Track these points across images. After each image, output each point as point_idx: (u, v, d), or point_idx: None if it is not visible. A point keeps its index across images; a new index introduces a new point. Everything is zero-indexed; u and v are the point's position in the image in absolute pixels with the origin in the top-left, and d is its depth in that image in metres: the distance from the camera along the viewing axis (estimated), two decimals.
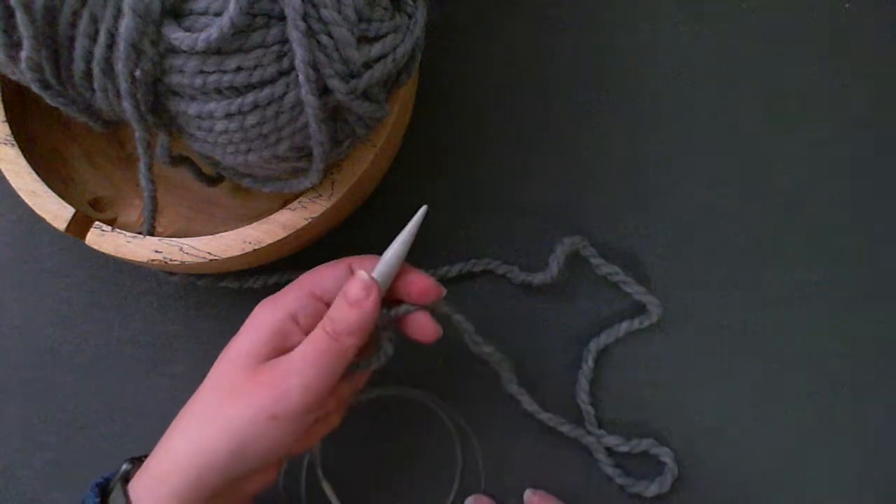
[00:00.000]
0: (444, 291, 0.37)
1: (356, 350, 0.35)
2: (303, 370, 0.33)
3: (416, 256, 0.46)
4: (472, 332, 0.40)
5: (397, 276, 0.36)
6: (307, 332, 0.35)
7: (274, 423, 0.33)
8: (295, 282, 0.37)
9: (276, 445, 0.33)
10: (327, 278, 0.36)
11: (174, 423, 0.35)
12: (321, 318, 0.35)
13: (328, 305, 0.35)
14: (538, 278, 0.45)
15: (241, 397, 0.33)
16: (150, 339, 0.46)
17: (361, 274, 0.35)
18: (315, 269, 0.37)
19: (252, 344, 0.35)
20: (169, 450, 0.34)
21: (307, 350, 0.34)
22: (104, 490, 0.35)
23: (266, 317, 0.35)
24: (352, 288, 0.35)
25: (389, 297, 0.37)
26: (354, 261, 0.37)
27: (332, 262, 0.37)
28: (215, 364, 0.36)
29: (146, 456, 0.36)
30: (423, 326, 0.37)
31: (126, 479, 0.35)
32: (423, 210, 0.36)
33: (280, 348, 0.35)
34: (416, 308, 0.37)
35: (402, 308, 0.37)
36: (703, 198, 0.46)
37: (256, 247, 0.38)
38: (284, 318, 0.35)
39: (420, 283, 0.37)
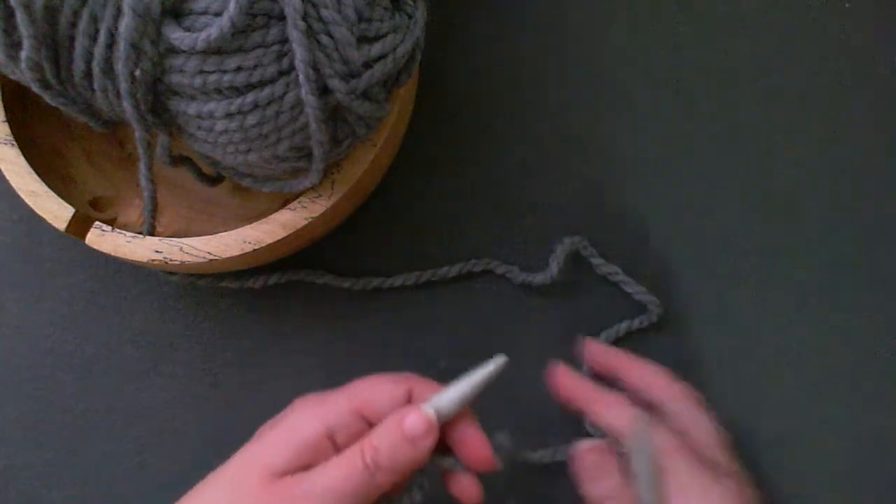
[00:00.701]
0: (500, 467, 0.33)
1: (387, 489, 0.31)
2: (327, 497, 0.30)
3: (416, 256, 0.46)
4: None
5: (455, 418, 0.33)
6: (340, 451, 0.31)
7: None
8: (345, 391, 0.33)
9: None
10: (383, 400, 0.32)
11: (182, 502, 0.32)
12: (360, 438, 0.32)
13: (372, 426, 0.32)
14: (538, 278, 0.44)
15: None
16: (150, 339, 0.46)
17: (427, 410, 0.31)
18: (371, 381, 0.33)
19: (279, 453, 0.31)
20: None
21: (336, 478, 0.30)
22: None
23: (304, 425, 0.31)
24: (413, 422, 0.31)
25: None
26: (416, 386, 0.33)
27: (390, 379, 0.33)
28: (236, 456, 0.32)
29: None
30: (467, 488, 0.33)
31: None
32: (502, 360, 0.33)
33: (307, 464, 0.31)
34: (464, 468, 0.33)
35: (449, 462, 0.33)
36: (703, 198, 0.46)
37: (256, 247, 0.38)
38: (323, 433, 0.31)
39: (476, 449, 0.33)
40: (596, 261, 0.45)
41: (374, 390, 0.33)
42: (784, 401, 0.44)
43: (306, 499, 0.30)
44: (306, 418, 0.32)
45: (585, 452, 0.36)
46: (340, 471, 0.30)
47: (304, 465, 0.31)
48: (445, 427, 0.33)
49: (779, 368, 0.44)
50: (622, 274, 0.44)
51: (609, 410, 0.37)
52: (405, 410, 0.32)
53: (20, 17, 0.31)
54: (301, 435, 0.31)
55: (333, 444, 0.31)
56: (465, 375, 0.33)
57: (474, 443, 0.33)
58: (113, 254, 0.39)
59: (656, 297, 0.44)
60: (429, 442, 0.31)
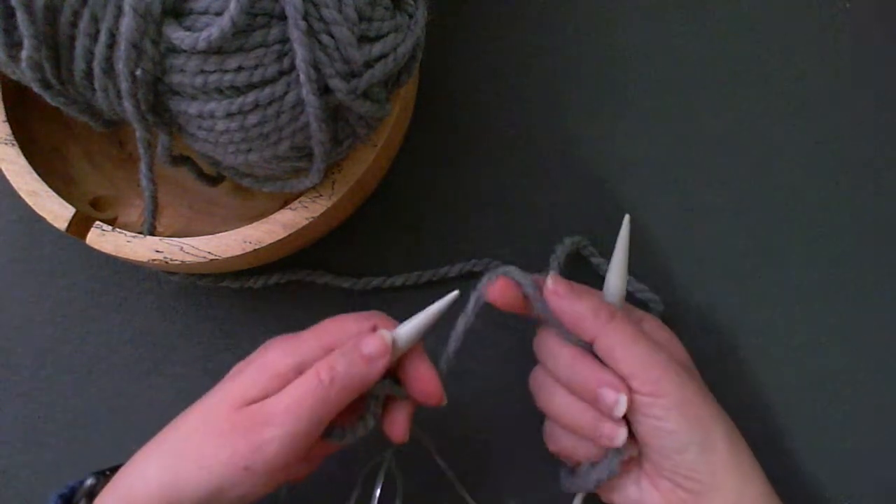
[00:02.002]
0: (445, 402, 0.36)
1: (341, 408, 0.33)
2: (284, 421, 0.31)
3: (416, 256, 0.46)
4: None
5: (409, 354, 0.35)
6: None
7: (246, 474, 0.31)
8: (316, 329, 0.35)
9: (248, 494, 0.32)
10: (348, 335, 0.34)
11: (154, 445, 0.34)
12: None
13: None
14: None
15: (219, 439, 0.32)
16: (150, 339, 0.46)
17: (385, 333, 0.34)
18: (338, 320, 0.36)
19: (250, 385, 0.33)
20: (142, 475, 0.33)
21: (292, 397, 0.32)
22: (68, 502, 0.34)
23: (276, 360, 0.34)
24: (371, 342, 0.33)
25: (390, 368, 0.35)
26: (380, 322, 0.35)
27: (356, 316, 0.36)
28: (211, 391, 0.34)
29: (110, 470, 0.35)
30: (398, 418, 0.36)
31: (91, 494, 0.34)
32: (454, 295, 0.36)
33: (273, 393, 0.33)
34: (407, 397, 0.36)
35: (396, 389, 0.35)
36: (703, 198, 0.46)
37: (256, 247, 0.38)
38: (292, 368, 0.33)
39: (426, 383, 0.35)
40: (596, 260, 0.45)
41: (342, 327, 0.35)
42: (784, 400, 0.44)
43: (266, 424, 0.31)
44: (278, 354, 0.34)
45: (556, 281, 0.36)
46: (298, 389, 0.32)
47: (273, 394, 0.32)
48: (401, 360, 0.35)
49: (779, 368, 0.45)
50: None
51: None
52: (364, 334, 0.34)
53: (20, 16, 0.31)
54: (272, 368, 0.33)
55: (300, 375, 0.33)
56: (420, 311, 0.35)
57: (424, 376, 0.35)
58: (113, 254, 0.39)
59: (656, 296, 0.44)
60: (384, 363, 0.33)
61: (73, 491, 0.35)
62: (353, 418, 0.35)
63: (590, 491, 0.38)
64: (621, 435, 0.34)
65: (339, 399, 0.33)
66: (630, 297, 0.44)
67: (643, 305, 0.44)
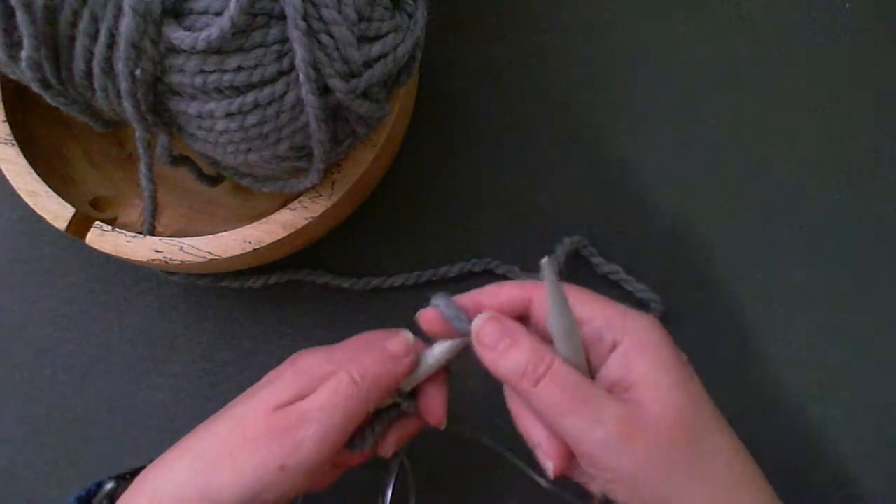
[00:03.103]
0: (443, 427, 0.36)
1: (371, 406, 0.33)
2: (320, 418, 0.31)
3: (416, 256, 0.46)
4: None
5: (432, 377, 0.35)
6: None
7: (283, 474, 0.31)
8: (348, 344, 0.35)
9: (284, 495, 0.32)
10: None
11: (181, 447, 0.33)
12: None
13: None
14: (538, 278, 0.44)
15: (254, 443, 0.31)
16: (150, 339, 0.46)
17: (408, 334, 0.35)
18: (371, 335, 0.36)
19: (283, 388, 0.33)
20: (171, 479, 0.32)
21: (327, 395, 0.32)
22: None
23: (311, 364, 0.34)
24: (394, 341, 0.34)
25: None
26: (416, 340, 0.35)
27: (386, 331, 0.36)
28: (244, 397, 0.34)
29: (130, 474, 0.35)
30: (434, 409, 0.36)
31: (111, 498, 0.34)
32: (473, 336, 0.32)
33: (306, 395, 0.33)
34: (414, 414, 0.36)
35: (408, 404, 0.36)
36: (702, 198, 0.46)
37: (256, 246, 0.38)
38: (327, 372, 0.33)
39: (434, 406, 0.35)
40: (596, 260, 0.45)
41: (372, 336, 0.35)
42: (784, 400, 0.44)
43: (303, 422, 0.31)
44: (315, 360, 0.34)
45: (483, 325, 0.31)
46: (329, 390, 0.32)
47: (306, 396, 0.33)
48: (421, 383, 0.35)
49: (778, 368, 0.45)
50: (623, 273, 0.44)
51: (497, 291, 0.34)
52: (389, 337, 0.34)
53: (20, 16, 0.31)
54: (308, 372, 0.33)
55: None
56: (451, 341, 0.34)
57: (434, 399, 0.35)
58: (113, 254, 0.39)
59: (657, 296, 0.44)
60: (408, 362, 0.34)
61: (91, 494, 0.34)
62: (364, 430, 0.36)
63: None
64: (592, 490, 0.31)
65: (369, 396, 0.33)
66: (630, 298, 0.44)
67: (643, 306, 0.44)
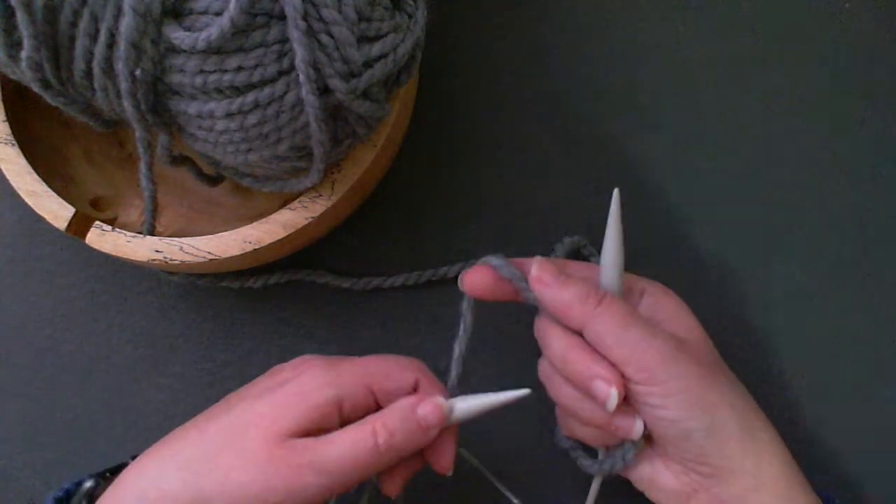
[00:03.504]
0: (450, 474, 0.35)
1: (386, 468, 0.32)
2: (333, 472, 0.30)
3: (416, 256, 0.46)
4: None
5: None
6: (344, 423, 0.32)
7: None
8: (358, 364, 0.34)
9: None
10: (393, 381, 0.33)
11: (168, 448, 0.32)
12: (365, 412, 0.32)
13: (377, 404, 0.33)
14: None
15: (253, 470, 0.30)
16: (150, 339, 0.46)
17: (443, 402, 0.33)
18: (383, 361, 0.34)
19: (288, 415, 0.31)
20: (157, 485, 0.30)
21: (345, 454, 0.30)
22: None
23: (316, 390, 0.32)
24: (432, 412, 0.32)
25: None
26: (423, 379, 0.34)
27: (401, 363, 0.34)
28: (241, 404, 0.32)
29: (110, 472, 0.33)
30: (444, 457, 0.35)
31: (91, 496, 0.32)
32: (524, 392, 0.34)
33: (313, 430, 0.31)
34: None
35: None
36: (703, 197, 0.46)
37: (256, 246, 0.38)
38: (333, 401, 0.31)
39: (445, 455, 0.34)
40: (596, 260, 0.45)
41: (387, 374, 0.33)
42: (784, 401, 0.44)
43: (314, 471, 0.30)
44: (318, 383, 0.32)
45: (541, 266, 0.34)
46: (351, 447, 0.30)
47: (311, 430, 0.31)
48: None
49: (778, 368, 0.45)
50: None
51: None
52: (420, 397, 0.33)
53: (20, 16, 0.31)
54: (313, 399, 0.31)
55: (339, 412, 0.32)
56: (486, 394, 0.34)
57: (445, 450, 0.34)
58: (113, 254, 0.39)
59: None
60: (436, 432, 0.33)
61: (69, 494, 0.33)
62: None
63: (605, 475, 0.37)
64: (637, 429, 0.34)
65: (389, 462, 0.32)
66: None
67: None
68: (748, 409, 0.35)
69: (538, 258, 0.35)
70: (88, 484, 0.33)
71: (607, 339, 0.33)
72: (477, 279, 0.35)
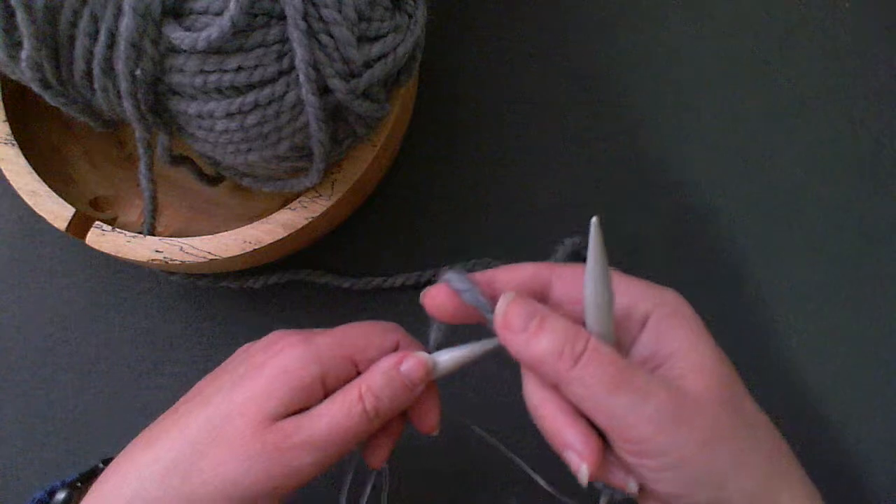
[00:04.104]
0: (436, 433, 0.33)
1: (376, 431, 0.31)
2: (326, 446, 0.29)
3: (416, 256, 0.46)
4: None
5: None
6: (327, 395, 0.30)
7: (274, 493, 0.29)
8: (337, 337, 0.32)
9: None
10: (374, 349, 0.32)
11: (148, 447, 0.30)
12: (347, 382, 0.31)
13: (358, 373, 0.31)
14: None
15: (247, 461, 0.28)
16: (150, 339, 0.46)
17: (426, 357, 0.31)
18: (362, 329, 0.33)
19: (273, 396, 0.29)
20: (141, 493, 0.29)
21: (336, 425, 0.29)
22: None
23: (300, 370, 0.30)
24: (412, 367, 0.31)
25: None
26: (403, 340, 0.33)
27: (379, 328, 0.33)
28: (216, 396, 0.30)
29: (82, 481, 0.32)
30: (428, 417, 0.33)
31: None
32: (497, 342, 0.29)
33: (297, 408, 0.30)
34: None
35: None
36: (703, 198, 0.46)
37: (256, 246, 0.38)
38: (316, 378, 0.30)
39: (429, 413, 0.33)
40: None
41: (367, 339, 0.32)
42: (784, 401, 0.44)
43: (305, 448, 0.29)
44: (301, 361, 0.30)
45: (510, 306, 0.28)
46: (341, 418, 0.29)
47: (297, 408, 0.30)
48: None
49: (778, 368, 0.45)
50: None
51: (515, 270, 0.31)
52: (401, 356, 0.31)
53: (21, 16, 0.31)
54: (297, 379, 0.30)
55: (323, 387, 0.30)
56: (466, 345, 0.32)
57: (429, 408, 0.33)
58: (113, 254, 0.39)
59: None
60: (421, 389, 0.31)
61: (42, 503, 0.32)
62: None
63: (609, 498, 0.33)
64: (630, 488, 0.28)
65: (378, 425, 0.31)
66: None
67: None
68: (773, 468, 0.28)
69: (506, 294, 0.29)
70: (61, 496, 0.32)
71: (587, 404, 0.27)
72: (437, 302, 0.30)
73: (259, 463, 0.28)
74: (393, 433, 0.33)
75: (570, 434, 0.28)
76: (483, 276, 0.31)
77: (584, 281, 0.28)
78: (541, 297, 0.30)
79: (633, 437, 0.26)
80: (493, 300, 0.29)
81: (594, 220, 0.27)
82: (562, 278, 0.30)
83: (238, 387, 0.30)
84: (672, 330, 0.29)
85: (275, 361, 0.30)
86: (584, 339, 0.27)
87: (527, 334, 0.28)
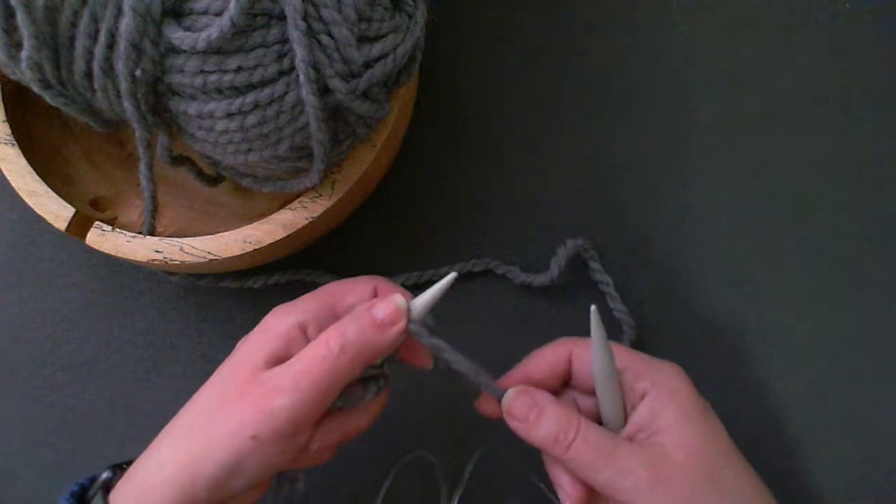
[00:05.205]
0: (430, 367, 0.36)
1: (353, 376, 0.32)
2: (293, 389, 0.31)
3: (416, 256, 0.46)
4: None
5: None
6: None
7: (255, 443, 0.30)
8: (316, 291, 0.35)
9: (264, 466, 0.31)
10: (350, 295, 0.34)
11: (168, 428, 0.33)
12: None
13: None
14: (538, 279, 0.44)
15: (228, 412, 0.31)
16: (150, 339, 0.46)
17: (399, 299, 0.33)
18: (339, 282, 0.35)
19: (254, 351, 0.32)
20: (156, 460, 0.32)
21: (302, 366, 0.31)
22: (81, 499, 0.33)
23: (275, 322, 0.33)
24: (383, 309, 0.32)
25: None
26: (381, 284, 0.35)
27: (357, 279, 0.35)
28: (218, 369, 0.34)
29: (128, 463, 0.34)
30: (421, 354, 0.36)
31: (108, 488, 0.33)
32: (454, 275, 0.33)
33: (281, 357, 0.32)
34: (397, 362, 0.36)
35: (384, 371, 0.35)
36: (703, 198, 0.46)
37: (256, 247, 0.38)
38: (293, 326, 0.32)
39: (420, 352, 0.35)
40: (594, 265, 0.44)
41: (343, 290, 0.34)
42: (784, 402, 0.44)
43: (275, 392, 0.31)
44: (279, 316, 0.33)
45: (513, 400, 0.34)
46: (306, 361, 0.31)
47: (280, 358, 0.32)
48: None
49: (776, 369, 0.44)
50: (612, 287, 0.44)
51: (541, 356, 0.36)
52: (374, 300, 0.33)
53: (21, 16, 0.31)
54: (273, 330, 0.33)
55: (305, 336, 0.33)
56: (435, 285, 0.34)
57: (419, 346, 0.35)
58: (113, 254, 0.39)
59: (632, 319, 0.44)
60: (397, 330, 0.32)
61: (85, 488, 0.34)
62: (356, 388, 0.34)
63: None
64: None
65: (350, 367, 0.32)
66: (608, 312, 0.44)
67: (617, 326, 0.44)
68: None
69: (512, 388, 0.34)
70: (105, 475, 0.34)
71: (579, 476, 0.33)
72: (489, 412, 0.35)
73: (237, 409, 0.31)
74: (347, 428, 0.34)
75: (565, 483, 0.34)
76: (519, 372, 0.36)
77: (592, 362, 0.33)
78: (564, 370, 0.36)
79: (617, 499, 0.32)
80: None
81: (593, 309, 0.32)
82: (578, 355, 0.36)
83: (233, 357, 0.34)
84: (664, 409, 0.33)
85: (258, 327, 0.34)
86: (575, 426, 0.33)
87: (528, 423, 0.33)
